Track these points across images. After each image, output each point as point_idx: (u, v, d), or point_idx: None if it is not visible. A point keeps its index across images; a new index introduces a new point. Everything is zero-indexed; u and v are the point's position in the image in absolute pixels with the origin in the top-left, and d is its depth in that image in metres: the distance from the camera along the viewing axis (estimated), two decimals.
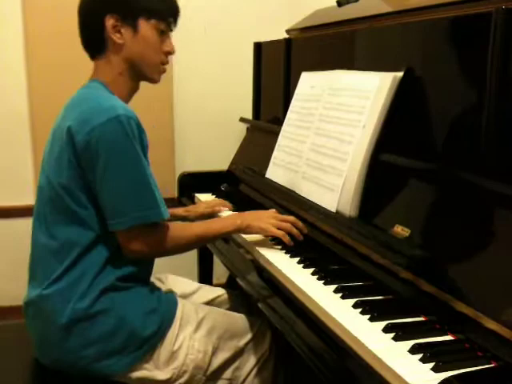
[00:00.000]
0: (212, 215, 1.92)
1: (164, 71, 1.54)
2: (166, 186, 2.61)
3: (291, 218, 1.53)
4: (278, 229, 1.49)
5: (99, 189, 1.34)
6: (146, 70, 1.49)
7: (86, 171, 1.34)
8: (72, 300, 1.35)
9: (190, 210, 1.94)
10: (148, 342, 1.40)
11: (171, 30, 1.52)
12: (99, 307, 1.36)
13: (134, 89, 1.52)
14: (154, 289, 1.49)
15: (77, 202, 1.36)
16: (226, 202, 1.96)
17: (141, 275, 1.46)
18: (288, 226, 1.49)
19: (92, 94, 1.42)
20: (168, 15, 1.49)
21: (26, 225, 2.67)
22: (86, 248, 1.37)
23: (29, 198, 2.74)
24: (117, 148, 1.31)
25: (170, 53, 1.53)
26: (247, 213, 1.61)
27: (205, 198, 2.14)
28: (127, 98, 1.50)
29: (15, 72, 2.66)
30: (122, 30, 1.43)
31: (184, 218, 1.95)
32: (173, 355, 1.42)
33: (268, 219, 1.51)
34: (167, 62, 1.54)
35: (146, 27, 1.45)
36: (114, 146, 1.31)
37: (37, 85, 2.69)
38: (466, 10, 1.29)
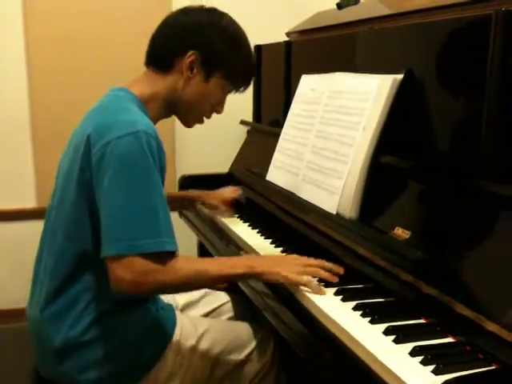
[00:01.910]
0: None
1: (202, 123, 1.52)
2: (166, 188, 2.63)
3: (315, 261, 1.33)
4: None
5: (101, 206, 1.23)
6: (188, 115, 1.48)
7: (94, 187, 1.25)
8: (64, 328, 1.31)
9: (203, 196, 1.96)
10: (146, 365, 1.37)
11: (231, 93, 1.51)
12: (92, 334, 1.31)
13: (164, 116, 1.48)
14: (152, 310, 1.42)
15: (78, 220, 1.29)
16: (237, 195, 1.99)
17: (138, 299, 1.40)
18: (315, 270, 1.30)
19: (117, 104, 1.35)
20: (242, 84, 1.49)
21: (26, 228, 2.71)
22: (74, 271, 1.31)
23: (29, 202, 2.75)
24: (128, 164, 1.21)
25: (218, 112, 1.51)
26: (266, 257, 1.45)
27: None
28: (153, 121, 1.39)
29: (16, 76, 2.66)
30: (195, 71, 1.39)
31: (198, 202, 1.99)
32: (171, 374, 1.39)
33: (290, 265, 1.31)
34: (209, 117, 1.52)
35: (217, 82, 1.43)
36: (126, 162, 1.21)
37: (38, 89, 2.69)
38: (465, 12, 1.29)
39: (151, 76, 1.43)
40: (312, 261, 1.33)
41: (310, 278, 1.28)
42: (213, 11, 1.45)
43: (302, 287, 1.27)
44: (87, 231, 1.28)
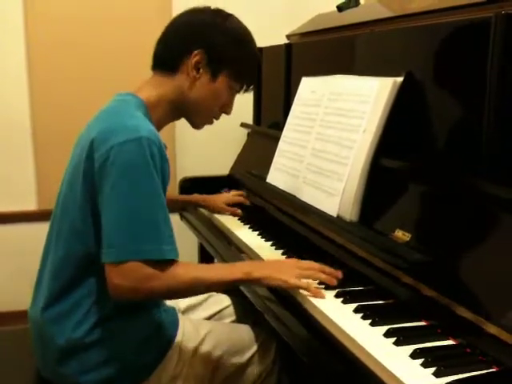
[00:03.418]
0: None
1: (211, 123, 1.52)
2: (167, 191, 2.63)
3: (316, 265, 1.33)
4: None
5: (102, 211, 1.23)
6: (197, 116, 1.47)
7: (97, 191, 1.25)
8: (67, 329, 1.30)
9: (208, 200, 2.00)
10: (147, 369, 1.37)
11: (239, 93, 1.50)
12: (95, 337, 1.31)
13: (171, 120, 1.49)
14: (154, 313, 1.41)
15: (82, 221, 1.29)
16: (241, 198, 2.04)
17: (141, 303, 1.38)
18: (315, 273, 1.31)
19: (121, 109, 1.34)
20: (248, 82, 1.48)
21: (27, 230, 2.71)
22: (80, 272, 1.31)
23: (30, 204, 2.75)
24: (130, 171, 1.20)
25: (227, 113, 1.50)
26: (265, 262, 1.46)
27: None
28: (160, 125, 1.44)
29: (17, 79, 2.67)
30: (201, 71, 1.39)
31: (202, 207, 2.05)
32: (173, 377, 1.39)
33: (290, 269, 1.31)
34: (218, 119, 1.51)
35: (224, 82, 1.42)
36: (128, 168, 1.20)
37: (38, 92, 2.70)
38: (465, 15, 1.29)
39: (158, 79, 1.43)
40: (313, 264, 1.33)
41: (309, 281, 1.28)
42: (218, 11, 1.46)
43: (302, 291, 1.27)
44: (91, 234, 1.28)
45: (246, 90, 1.50)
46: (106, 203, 1.22)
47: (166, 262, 1.23)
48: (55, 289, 1.32)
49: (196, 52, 1.38)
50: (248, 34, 1.47)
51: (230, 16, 1.46)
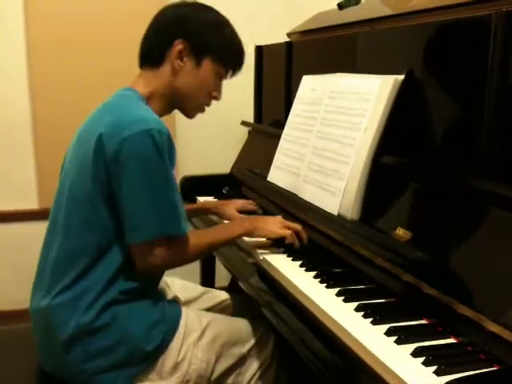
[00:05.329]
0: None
1: (203, 111, 1.56)
2: None
3: (297, 225, 1.54)
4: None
5: (124, 200, 1.32)
6: (187, 104, 1.52)
7: (112, 181, 1.33)
8: (77, 313, 1.34)
9: (219, 207, 1.92)
10: (151, 355, 1.39)
11: (226, 78, 1.54)
12: (101, 321, 1.35)
13: (166, 113, 1.53)
14: (158, 301, 1.46)
15: (95, 211, 1.35)
16: (252, 203, 1.96)
17: (146, 288, 1.44)
18: (295, 226, 1.52)
19: (127, 102, 1.41)
20: (233, 65, 1.53)
21: (28, 229, 2.72)
22: (95, 259, 1.36)
23: (31, 203, 2.75)
24: (146, 161, 1.30)
25: (216, 99, 1.55)
26: (254, 217, 1.71)
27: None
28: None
29: (17, 77, 2.67)
30: (185, 59, 1.45)
31: (213, 214, 1.98)
32: (177, 365, 1.41)
33: (275, 223, 1.53)
34: (209, 105, 1.56)
35: (208, 67, 1.47)
36: (143, 159, 1.30)
37: (39, 90, 2.70)
38: (466, 13, 1.29)
39: (146, 75, 1.49)
40: (292, 223, 1.54)
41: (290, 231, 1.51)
42: (194, 4, 1.53)
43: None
44: (106, 221, 1.36)
45: (232, 74, 1.55)
46: (127, 194, 1.32)
47: (184, 236, 1.39)
48: (68, 278, 1.36)
49: (178, 41, 1.44)
50: (224, 21, 1.52)
51: (204, 6, 1.53)
